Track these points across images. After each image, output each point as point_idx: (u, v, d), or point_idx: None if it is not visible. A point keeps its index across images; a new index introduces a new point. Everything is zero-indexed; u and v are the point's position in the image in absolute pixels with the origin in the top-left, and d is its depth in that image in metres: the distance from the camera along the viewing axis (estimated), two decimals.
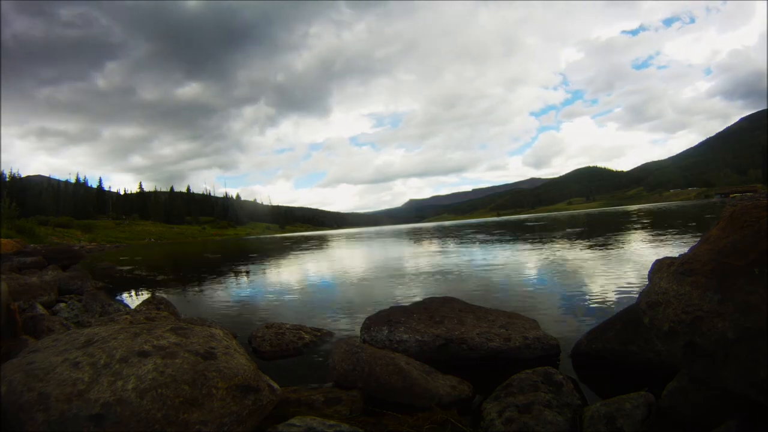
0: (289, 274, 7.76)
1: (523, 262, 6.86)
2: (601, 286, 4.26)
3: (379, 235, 26.33)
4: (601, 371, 2.10)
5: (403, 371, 1.85)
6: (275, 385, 1.53)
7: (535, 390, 1.61)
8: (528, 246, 10.18)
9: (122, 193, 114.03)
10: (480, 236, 16.43)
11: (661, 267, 1.45)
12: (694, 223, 13.13)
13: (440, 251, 10.67)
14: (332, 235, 31.39)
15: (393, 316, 2.58)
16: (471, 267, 6.81)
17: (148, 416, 1.16)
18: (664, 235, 9.98)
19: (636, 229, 13.12)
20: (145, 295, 5.54)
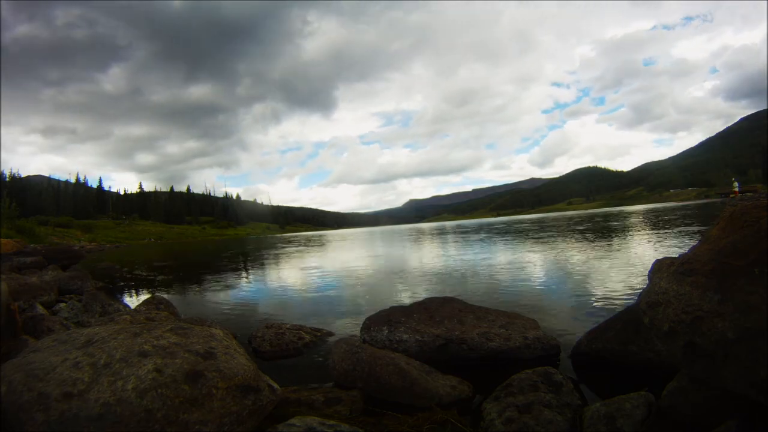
0: (289, 274, 7.76)
1: (522, 262, 6.86)
2: (601, 286, 4.26)
3: (373, 237, 26.33)
4: (601, 371, 2.10)
5: (403, 371, 1.85)
6: (275, 385, 1.53)
7: (535, 390, 1.61)
8: (528, 246, 10.18)
9: (122, 193, 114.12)
10: (479, 237, 16.43)
11: (661, 267, 1.45)
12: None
13: (440, 251, 10.67)
14: (324, 237, 30.99)
15: (393, 316, 2.58)
16: (471, 267, 6.81)
17: (148, 416, 1.16)
18: (664, 235, 9.99)
19: (636, 229, 13.12)
20: (145, 295, 5.54)
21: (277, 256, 13.37)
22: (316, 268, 8.70)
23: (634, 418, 1.35)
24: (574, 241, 10.57)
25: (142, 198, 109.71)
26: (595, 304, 3.54)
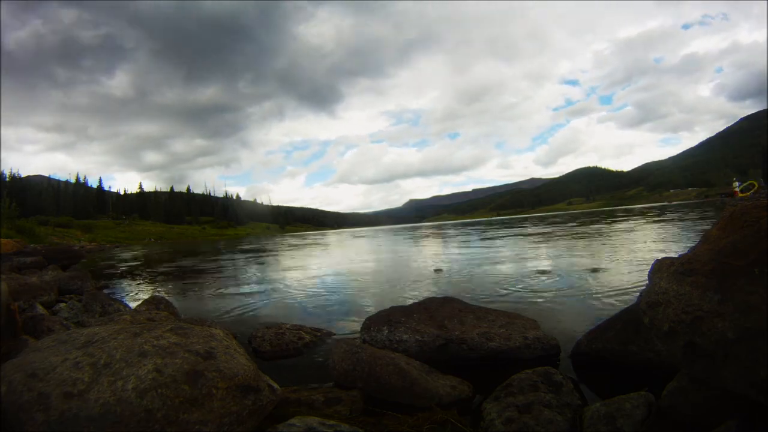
0: (290, 275, 7.76)
1: (523, 262, 6.86)
2: (601, 286, 4.26)
3: (365, 239, 26.27)
4: (601, 371, 2.10)
5: (403, 371, 1.85)
6: (275, 385, 1.53)
7: (535, 390, 1.61)
8: (528, 246, 10.18)
9: (122, 193, 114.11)
10: (480, 237, 16.43)
11: (661, 267, 1.45)
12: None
13: (439, 251, 10.67)
14: (314, 239, 29.90)
15: (393, 316, 2.58)
16: (471, 267, 6.81)
17: (148, 416, 1.16)
18: (664, 236, 9.99)
19: (636, 229, 13.12)
20: (145, 295, 5.54)
21: (277, 257, 13.38)
22: (316, 268, 8.70)
23: (634, 418, 1.35)
24: (573, 240, 10.57)
25: (142, 198, 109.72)
26: (595, 304, 3.54)
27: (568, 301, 3.71)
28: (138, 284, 7.77)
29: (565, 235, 12.58)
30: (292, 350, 2.78)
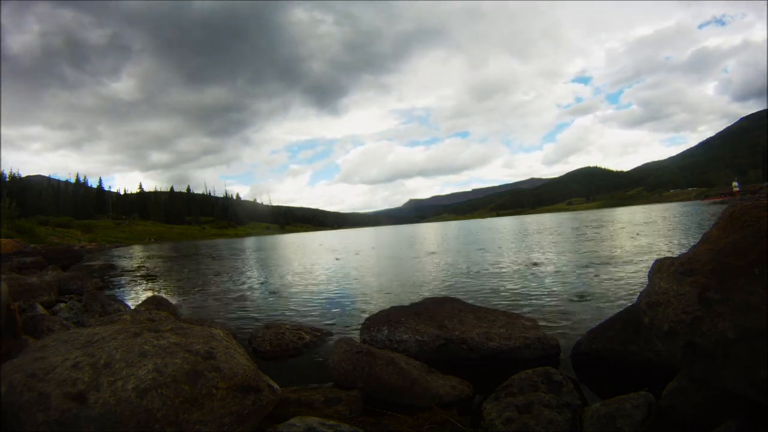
0: (290, 275, 7.76)
1: (522, 263, 6.86)
2: (601, 286, 4.26)
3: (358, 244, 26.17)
4: (601, 371, 2.10)
5: (403, 371, 1.85)
6: (275, 385, 1.53)
7: (534, 390, 1.61)
8: (528, 246, 10.18)
9: (122, 193, 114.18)
10: (479, 237, 16.43)
11: (661, 267, 1.45)
12: None
13: (439, 252, 10.67)
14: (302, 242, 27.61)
15: (393, 316, 2.58)
16: (471, 267, 6.81)
17: (148, 416, 1.16)
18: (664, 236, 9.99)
19: (636, 229, 13.12)
20: (145, 295, 5.54)
21: (277, 257, 13.37)
22: (316, 268, 8.70)
23: (634, 418, 1.35)
24: (573, 241, 10.57)
25: (142, 198, 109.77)
26: (595, 304, 3.54)
27: (568, 301, 3.71)
28: (138, 284, 7.77)
29: (565, 236, 12.56)
30: (292, 350, 2.78)
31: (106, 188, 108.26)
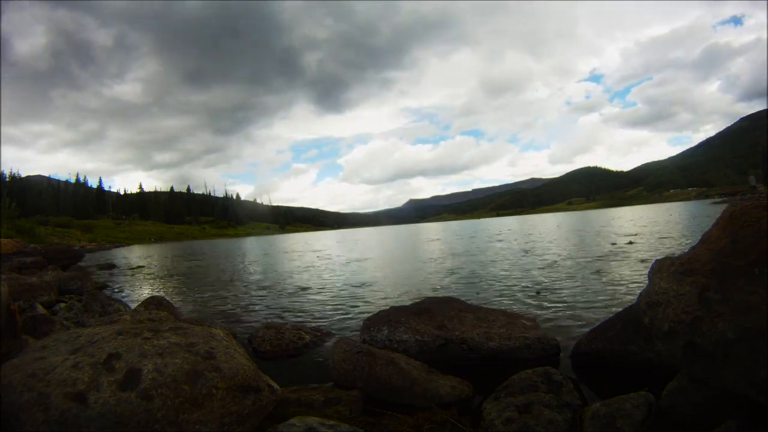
0: (290, 275, 7.76)
1: (522, 263, 6.86)
2: (601, 286, 4.26)
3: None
4: (601, 371, 2.10)
5: (403, 371, 1.85)
6: (275, 385, 1.53)
7: (534, 390, 1.61)
8: (527, 246, 10.18)
9: (122, 193, 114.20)
10: (479, 237, 16.44)
11: (661, 267, 1.45)
12: None
13: (439, 252, 10.67)
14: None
15: (393, 316, 2.58)
16: (471, 267, 6.81)
17: (148, 416, 1.16)
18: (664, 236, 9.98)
19: (636, 230, 13.12)
20: (145, 295, 5.54)
21: (277, 257, 13.37)
22: (316, 268, 8.70)
23: (634, 418, 1.35)
24: (573, 241, 10.57)
25: (142, 198, 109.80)
26: (595, 304, 3.54)
27: (568, 301, 3.71)
28: (138, 284, 7.77)
29: (565, 237, 12.54)
30: (292, 350, 2.78)
31: (106, 188, 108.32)
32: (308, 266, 9.17)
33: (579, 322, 3.00)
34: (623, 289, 4.06)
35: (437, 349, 2.29)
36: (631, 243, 8.45)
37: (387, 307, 2.86)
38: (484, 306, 3.03)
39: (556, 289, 4.32)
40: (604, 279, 4.68)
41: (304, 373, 2.41)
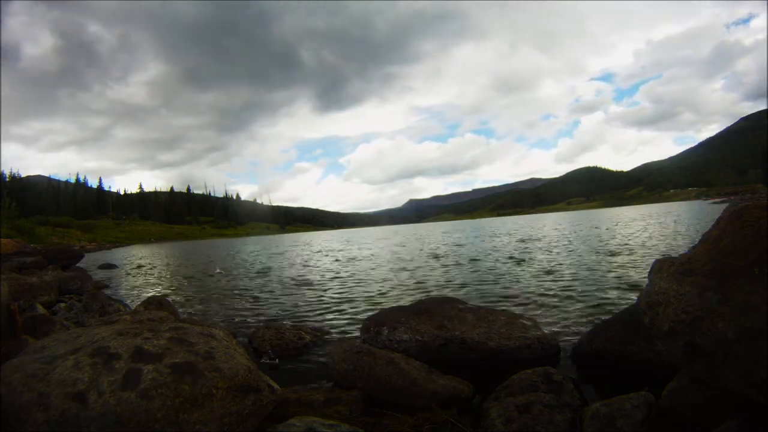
0: (289, 275, 7.76)
1: (522, 263, 6.86)
2: (602, 286, 4.26)
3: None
4: (601, 371, 2.10)
5: (403, 371, 1.85)
6: (275, 385, 1.53)
7: (534, 390, 1.61)
8: (527, 247, 10.18)
9: (122, 193, 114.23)
10: (479, 238, 16.44)
11: (661, 267, 1.45)
12: None
13: (439, 252, 10.67)
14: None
15: (393, 316, 2.58)
16: (471, 267, 6.81)
17: (148, 416, 1.16)
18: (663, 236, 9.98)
19: (636, 230, 13.12)
20: (145, 295, 5.54)
21: (277, 257, 13.37)
22: (315, 268, 8.70)
23: (634, 418, 1.35)
24: (573, 242, 10.57)
25: (142, 198, 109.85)
26: (595, 304, 3.54)
27: (568, 301, 3.71)
28: (138, 284, 7.78)
29: (565, 237, 12.53)
30: (292, 350, 2.78)
31: (106, 188, 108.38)
32: (308, 266, 9.17)
33: (579, 322, 3.00)
34: (623, 288, 4.06)
35: (437, 349, 2.29)
36: (630, 243, 8.46)
37: (387, 307, 2.87)
38: (484, 306, 3.03)
39: (555, 289, 4.32)
40: (603, 279, 4.68)
41: (304, 373, 2.40)
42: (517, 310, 3.38)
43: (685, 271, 1.32)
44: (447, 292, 4.60)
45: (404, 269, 7.23)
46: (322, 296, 4.98)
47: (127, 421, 1.13)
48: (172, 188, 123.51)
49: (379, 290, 5.14)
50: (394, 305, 2.93)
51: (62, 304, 4.48)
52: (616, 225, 16.51)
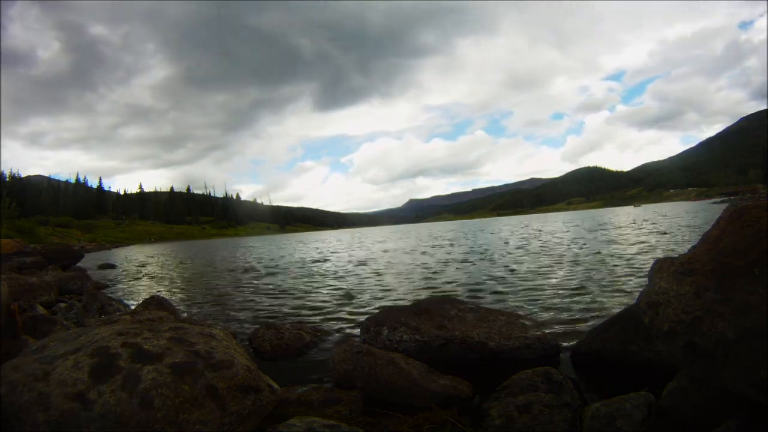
0: (290, 275, 7.76)
1: (522, 263, 6.86)
2: (602, 286, 4.26)
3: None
4: (601, 371, 2.10)
5: (403, 371, 1.85)
6: (275, 385, 1.53)
7: (534, 390, 1.61)
8: (527, 247, 10.18)
9: (122, 193, 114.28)
10: (479, 238, 16.44)
11: (661, 267, 1.45)
12: None
13: (439, 251, 10.67)
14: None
15: (393, 316, 2.58)
16: (471, 267, 6.81)
17: (148, 416, 1.16)
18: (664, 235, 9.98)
19: (636, 229, 13.12)
20: (145, 295, 5.54)
21: (277, 257, 13.37)
22: (315, 267, 8.70)
23: (634, 418, 1.35)
24: (573, 242, 10.57)
25: (142, 198, 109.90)
26: (595, 304, 3.54)
27: (568, 301, 3.71)
28: (138, 284, 7.78)
29: (565, 237, 12.54)
30: (292, 350, 2.78)
31: (106, 188, 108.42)
32: (308, 266, 9.17)
33: (579, 322, 3.00)
34: (623, 289, 4.06)
35: (437, 349, 2.29)
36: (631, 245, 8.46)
37: (387, 307, 2.87)
38: (484, 306, 3.03)
39: (556, 289, 4.32)
40: (603, 279, 4.68)
41: (304, 373, 2.40)
42: (518, 310, 3.38)
43: (685, 271, 1.32)
44: (447, 292, 4.60)
45: (404, 269, 7.23)
46: (322, 296, 4.98)
47: (127, 421, 1.13)
48: (172, 188, 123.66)
49: (379, 290, 5.14)
50: (394, 305, 2.93)
51: (62, 304, 4.48)
52: (617, 227, 16.51)
